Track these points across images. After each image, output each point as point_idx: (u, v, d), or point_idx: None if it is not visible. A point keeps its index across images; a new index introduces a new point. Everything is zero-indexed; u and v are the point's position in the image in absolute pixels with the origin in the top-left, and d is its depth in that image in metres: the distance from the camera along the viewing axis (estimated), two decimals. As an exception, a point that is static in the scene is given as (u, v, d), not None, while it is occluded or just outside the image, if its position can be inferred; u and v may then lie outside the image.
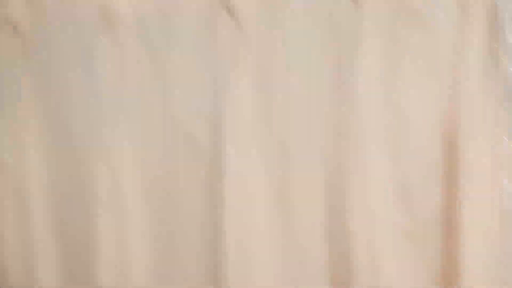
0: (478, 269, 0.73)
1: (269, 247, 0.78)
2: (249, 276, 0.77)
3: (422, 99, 0.74)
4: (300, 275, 0.78)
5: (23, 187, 0.82)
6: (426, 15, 0.73)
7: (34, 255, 0.82)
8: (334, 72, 0.75)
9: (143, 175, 0.81)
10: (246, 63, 0.77)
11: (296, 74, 0.76)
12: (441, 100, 0.74)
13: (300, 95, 0.77)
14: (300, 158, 0.78)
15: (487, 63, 0.73)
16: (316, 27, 0.75)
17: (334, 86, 0.76)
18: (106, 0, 0.79)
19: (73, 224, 0.82)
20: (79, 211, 0.81)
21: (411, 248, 0.75)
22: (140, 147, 0.81)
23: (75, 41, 0.80)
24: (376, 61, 0.74)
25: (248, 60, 0.77)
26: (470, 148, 0.73)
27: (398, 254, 0.75)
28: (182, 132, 0.80)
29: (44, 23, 0.81)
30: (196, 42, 0.78)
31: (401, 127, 0.75)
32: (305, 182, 0.78)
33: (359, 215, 0.75)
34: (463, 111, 0.73)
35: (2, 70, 0.82)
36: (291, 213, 0.78)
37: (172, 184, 0.80)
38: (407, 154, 0.75)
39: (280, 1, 0.76)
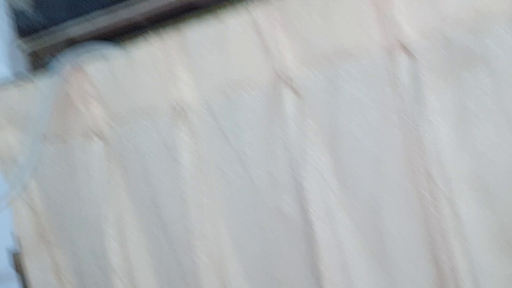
0: None
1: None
2: None
3: (500, 139, 0.71)
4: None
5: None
6: (486, 55, 0.69)
7: None
8: (402, 127, 0.74)
9: (242, 257, 0.83)
10: (314, 131, 0.77)
11: (364, 135, 0.75)
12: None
13: (373, 154, 0.76)
14: (389, 214, 0.76)
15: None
16: (376, 85, 0.74)
17: (405, 141, 0.74)
18: (177, 92, 0.83)
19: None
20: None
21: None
22: (233, 229, 0.83)
23: (154, 137, 0.85)
24: (443, 109, 0.72)
25: (315, 128, 0.77)
26: None
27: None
28: (270, 208, 0.81)
29: (125, 128, 0.87)
30: (263, 119, 0.79)
31: (486, 171, 0.71)
32: (401, 237, 0.76)
33: (462, 266, 0.73)
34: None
35: (91, 174, 0.89)
36: (393, 272, 0.77)
37: (271, 263, 0.82)
38: (499, 197, 0.72)
39: (336, 66, 0.75)
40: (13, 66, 0.96)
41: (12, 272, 0.96)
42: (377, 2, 0.72)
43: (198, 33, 0.81)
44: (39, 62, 0.97)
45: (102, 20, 0.89)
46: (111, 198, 0.89)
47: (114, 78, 0.87)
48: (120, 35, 0.90)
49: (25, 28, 0.94)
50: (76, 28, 0.91)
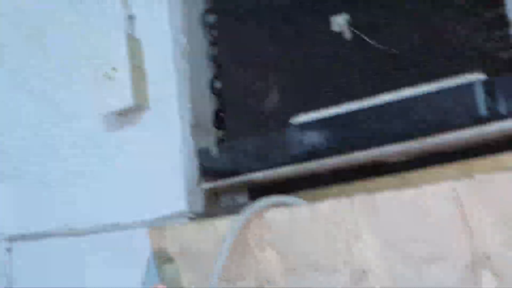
0: None
1: None
2: None
3: None
4: None
5: None
6: None
7: None
8: None
9: None
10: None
11: None
12: None
13: None
14: None
15: None
16: None
17: None
18: (358, 255, 0.82)
19: None
20: None
21: None
22: None
23: None
24: None
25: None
26: None
27: None
28: None
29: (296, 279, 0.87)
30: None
31: None
32: None
33: None
34: None
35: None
36: None
37: None
38: None
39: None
40: (191, 203, 0.99)
41: None
42: None
43: (391, 197, 0.80)
44: (217, 202, 1.00)
45: (287, 169, 0.91)
46: None
47: (294, 229, 0.87)
48: (303, 185, 0.91)
49: (208, 168, 0.97)
50: (259, 174, 0.93)
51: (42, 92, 1.18)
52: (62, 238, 1.11)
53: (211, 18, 1.07)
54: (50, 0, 1.18)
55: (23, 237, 1.17)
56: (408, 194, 0.79)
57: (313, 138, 0.86)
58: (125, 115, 1.06)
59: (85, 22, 1.13)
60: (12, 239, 1.18)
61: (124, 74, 1.03)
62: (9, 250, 1.18)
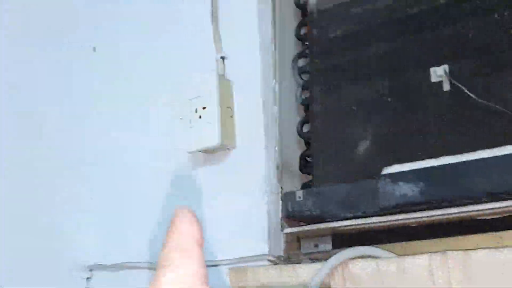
0: None
1: None
2: None
3: None
4: None
5: None
6: None
7: None
8: None
9: None
10: None
11: None
12: None
13: None
14: None
15: None
16: None
17: None
18: None
19: None
20: None
21: None
22: None
23: None
24: None
25: None
26: None
27: None
28: None
29: None
30: None
31: None
32: None
33: None
34: None
35: None
36: None
37: None
38: None
39: None
40: (273, 246, 0.99)
41: None
42: None
43: (487, 257, 0.76)
44: (299, 246, 0.99)
45: (375, 220, 0.89)
46: None
47: (380, 283, 0.84)
48: (391, 237, 0.89)
49: (292, 212, 0.97)
50: (345, 222, 0.92)
51: (127, 127, 1.21)
52: (142, 270, 1.13)
53: (303, 63, 1.08)
54: (140, 38, 1.22)
55: (103, 267, 1.19)
56: (505, 255, 0.75)
57: (406, 189, 0.84)
58: (211, 154, 1.08)
59: (176, 61, 1.16)
60: (92, 268, 1.21)
61: (213, 114, 1.05)
62: (88, 279, 1.20)
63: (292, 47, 1.11)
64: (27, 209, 1.32)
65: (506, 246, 0.77)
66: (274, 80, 1.07)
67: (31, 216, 1.31)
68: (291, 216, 0.97)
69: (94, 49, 1.29)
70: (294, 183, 1.05)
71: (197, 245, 0.52)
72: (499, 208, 0.80)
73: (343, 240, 0.95)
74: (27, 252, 1.30)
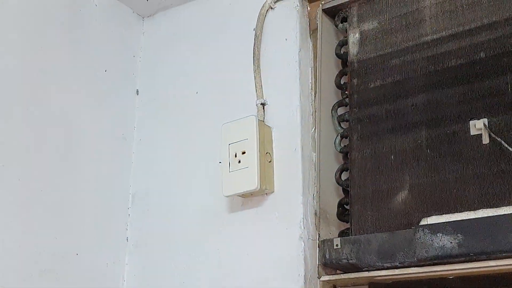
0: None
1: None
2: None
3: None
4: None
5: None
6: None
7: None
8: None
9: None
10: None
11: None
12: None
13: None
14: None
15: None
16: None
17: None
18: None
19: None
20: None
21: None
22: None
23: None
24: None
25: None
26: None
27: None
28: None
29: None
30: None
31: None
32: None
33: None
34: None
35: None
36: None
37: None
38: None
39: None
40: (309, 294, 1.00)
41: None
42: None
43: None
44: (336, 294, 1.01)
45: (413, 271, 0.90)
46: None
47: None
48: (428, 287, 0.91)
49: (329, 260, 0.99)
50: (382, 272, 0.93)
51: (172, 169, 1.25)
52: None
53: (342, 111, 1.12)
54: (184, 83, 1.27)
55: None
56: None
57: (444, 241, 0.86)
58: (250, 198, 1.11)
59: (218, 107, 1.21)
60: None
61: (252, 159, 1.08)
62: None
63: (332, 95, 1.14)
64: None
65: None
66: (314, 127, 1.10)
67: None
68: (328, 263, 0.99)
69: (137, 91, 1.34)
70: (331, 230, 1.07)
71: None
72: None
73: (379, 290, 0.96)
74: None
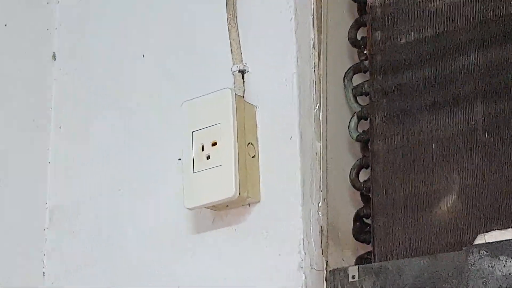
0: None
1: None
2: None
3: None
4: None
5: None
6: None
7: None
8: None
9: None
10: None
11: None
12: None
13: None
14: None
15: None
16: None
17: None
18: None
19: None
20: None
21: None
22: None
23: None
24: None
25: None
26: None
27: None
28: None
29: None
30: None
31: None
32: None
33: None
34: None
35: None
36: None
37: None
38: None
39: None
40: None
41: None
42: None
43: None
44: None
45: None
46: None
47: None
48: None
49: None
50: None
51: (108, 172, 1.26)
52: None
53: (360, 80, 1.12)
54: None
55: None
56: None
57: (510, 267, 0.87)
58: (225, 211, 1.11)
59: (176, 76, 1.21)
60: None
61: (227, 153, 1.08)
62: None
63: (344, 57, 1.15)
64: None
65: None
66: (318, 105, 1.11)
67: None
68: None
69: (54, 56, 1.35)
70: (345, 256, 1.08)
71: None
72: None
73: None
74: None
